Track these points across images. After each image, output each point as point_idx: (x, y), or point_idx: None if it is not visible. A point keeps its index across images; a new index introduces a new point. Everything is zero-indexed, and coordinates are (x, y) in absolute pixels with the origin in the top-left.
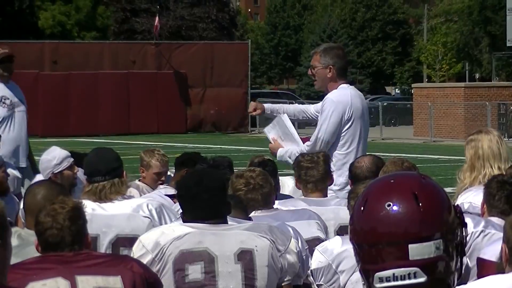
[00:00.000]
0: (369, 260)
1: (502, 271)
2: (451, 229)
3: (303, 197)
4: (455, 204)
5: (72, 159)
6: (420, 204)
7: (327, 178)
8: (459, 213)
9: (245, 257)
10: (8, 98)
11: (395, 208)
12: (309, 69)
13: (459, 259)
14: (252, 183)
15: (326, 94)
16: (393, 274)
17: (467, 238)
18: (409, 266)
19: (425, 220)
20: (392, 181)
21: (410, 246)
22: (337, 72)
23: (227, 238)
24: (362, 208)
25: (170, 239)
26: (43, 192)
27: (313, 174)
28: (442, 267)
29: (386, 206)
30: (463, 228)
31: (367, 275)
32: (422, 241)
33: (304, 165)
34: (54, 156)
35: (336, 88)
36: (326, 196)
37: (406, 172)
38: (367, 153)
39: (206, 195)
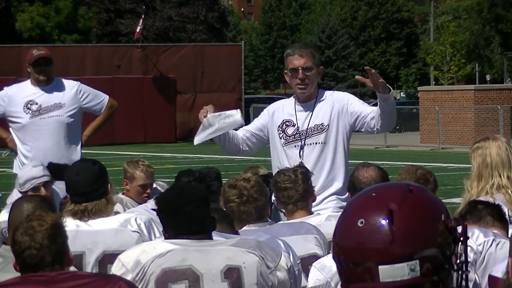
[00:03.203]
0: (347, 278)
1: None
2: (440, 248)
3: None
4: (450, 218)
5: (41, 180)
6: (394, 223)
7: (309, 196)
8: (452, 229)
9: (232, 274)
10: (36, 104)
11: (367, 225)
12: (301, 72)
13: (453, 279)
14: (246, 194)
15: (303, 99)
16: None
17: (481, 249)
18: None
19: (397, 240)
20: (373, 194)
21: (380, 267)
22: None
23: (213, 255)
24: (339, 223)
25: (151, 257)
26: (31, 209)
27: (291, 195)
28: None
29: (359, 224)
30: (460, 245)
31: None
32: (392, 262)
33: (282, 186)
34: (21, 175)
35: (319, 92)
36: (311, 213)
37: (393, 183)
38: (365, 162)
39: (189, 207)
